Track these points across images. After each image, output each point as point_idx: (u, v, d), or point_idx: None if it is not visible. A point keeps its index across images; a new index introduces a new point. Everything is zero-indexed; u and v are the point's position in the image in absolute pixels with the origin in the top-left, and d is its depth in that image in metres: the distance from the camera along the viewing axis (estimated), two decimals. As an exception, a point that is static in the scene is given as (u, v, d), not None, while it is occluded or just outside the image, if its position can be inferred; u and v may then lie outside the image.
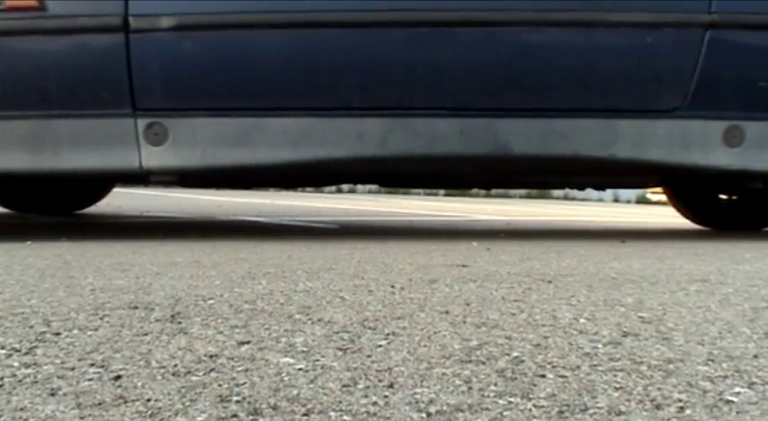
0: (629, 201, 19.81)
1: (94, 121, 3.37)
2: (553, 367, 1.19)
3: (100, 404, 0.97)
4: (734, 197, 5.32)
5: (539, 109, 3.62)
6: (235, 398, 1.00)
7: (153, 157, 3.41)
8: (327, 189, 15.68)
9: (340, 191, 16.41)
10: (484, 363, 1.20)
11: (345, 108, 3.51)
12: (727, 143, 3.78)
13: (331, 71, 3.47)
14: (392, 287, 2.04)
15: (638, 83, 3.65)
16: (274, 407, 0.97)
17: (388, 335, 1.41)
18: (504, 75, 3.56)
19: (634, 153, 3.72)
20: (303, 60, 3.46)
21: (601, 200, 19.38)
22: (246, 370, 1.14)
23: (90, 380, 1.08)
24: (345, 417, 0.94)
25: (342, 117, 3.52)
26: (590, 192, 17.98)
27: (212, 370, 1.14)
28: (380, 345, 1.32)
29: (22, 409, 0.95)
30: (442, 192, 17.04)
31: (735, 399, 1.05)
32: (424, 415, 0.96)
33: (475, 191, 16.48)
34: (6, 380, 1.08)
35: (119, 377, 1.09)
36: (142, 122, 3.38)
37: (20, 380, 1.07)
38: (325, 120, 3.51)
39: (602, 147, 3.68)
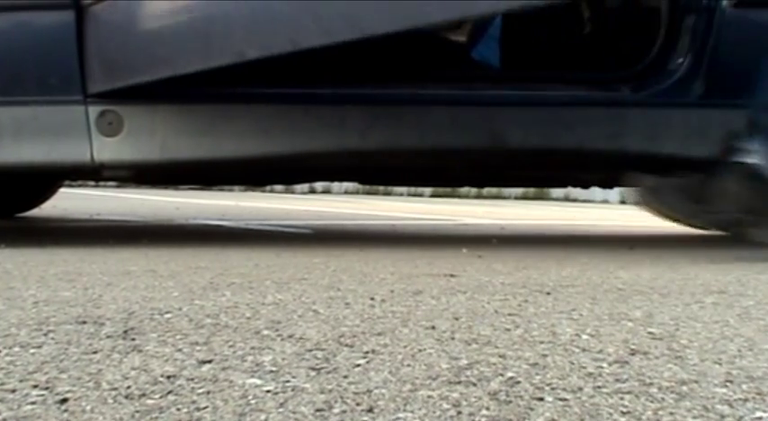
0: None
1: (40, 109, 3.35)
2: (552, 389, 1.19)
3: (43, 431, 0.97)
4: (755, 198, 5.33)
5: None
6: (195, 424, 1.00)
7: (106, 149, 3.39)
8: (299, 189, 15.66)
9: (313, 191, 16.38)
10: (475, 385, 1.21)
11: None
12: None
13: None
14: (372, 299, 2.04)
15: None
16: (240, 434, 0.97)
17: (367, 353, 1.41)
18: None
19: (646, 145, 3.72)
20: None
21: (606, 201, 19.42)
22: (208, 392, 1.14)
23: (33, 403, 1.07)
24: (320, 446, 0.95)
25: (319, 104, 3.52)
26: (594, 193, 17.99)
27: (170, 392, 1.14)
28: (358, 365, 1.32)
29: (-45, 437, 0.95)
30: (427, 192, 17.00)
31: (755, 425, 1.05)
32: (407, 442, 0.96)
33: (464, 191, 16.46)
34: (-63, 403, 1.07)
35: (65, 400, 1.09)
36: (94, 110, 3.36)
37: (-47, 404, 1.07)
38: (300, 108, 3.51)
39: (611, 138, 3.69)
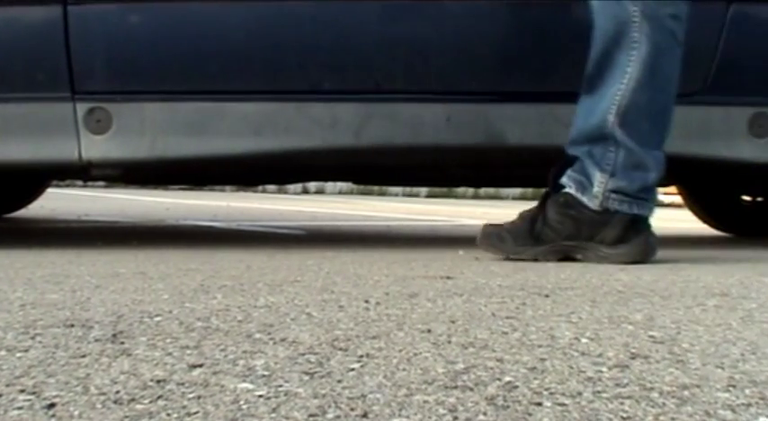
0: (637, 204, 19.80)
1: (27, 106, 3.35)
2: (551, 394, 1.19)
3: (30, 436, 0.97)
4: (759, 199, 5.32)
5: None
6: (186, 430, 1.00)
7: (94, 147, 3.39)
8: (292, 189, 15.65)
9: (306, 191, 16.37)
10: (471, 390, 1.20)
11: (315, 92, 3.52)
12: (753, 133, 3.79)
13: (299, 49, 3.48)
14: (366, 302, 2.04)
15: None
16: (231, 440, 0.97)
17: (361, 357, 1.41)
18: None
19: None
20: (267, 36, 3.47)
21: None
22: (199, 397, 1.14)
23: (20, 408, 1.07)
24: (313, 452, 0.94)
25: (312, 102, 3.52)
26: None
27: (160, 397, 1.14)
28: (353, 369, 1.32)
29: (-61, 443, 0.95)
30: (423, 192, 17.01)
31: (758, 430, 1.05)
32: (403, 448, 0.96)
33: (461, 191, 16.47)
34: None
35: (52, 405, 1.09)
36: (82, 107, 3.36)
37: (-63, 410, 1.07)
38: (292, 105, 3.51)
39: None
